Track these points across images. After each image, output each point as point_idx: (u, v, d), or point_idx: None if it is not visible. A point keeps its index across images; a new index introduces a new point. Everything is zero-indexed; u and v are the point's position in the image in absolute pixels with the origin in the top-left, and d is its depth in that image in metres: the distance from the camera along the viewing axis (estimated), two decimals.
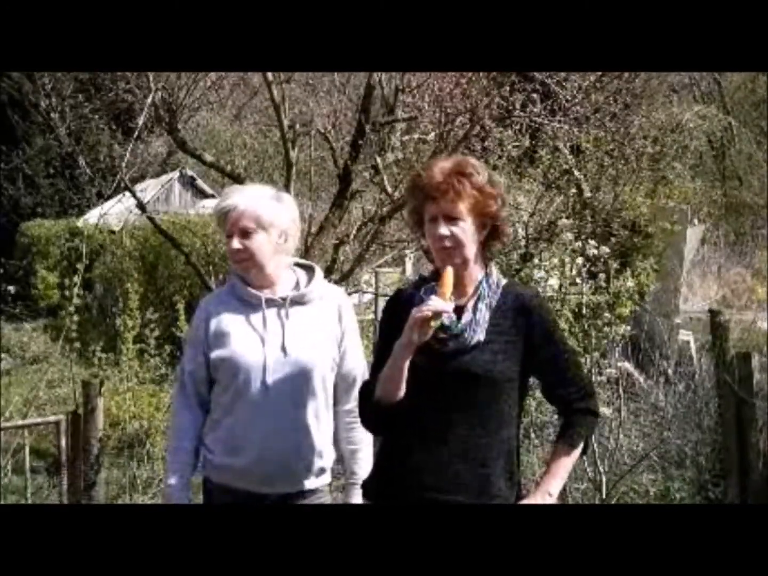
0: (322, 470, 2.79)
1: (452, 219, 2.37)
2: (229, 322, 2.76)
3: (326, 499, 2.81)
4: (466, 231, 2.38)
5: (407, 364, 2.34)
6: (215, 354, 2.75)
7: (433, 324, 2.28)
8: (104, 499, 4.54)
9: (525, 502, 2.36)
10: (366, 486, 2.54)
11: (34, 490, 4.63)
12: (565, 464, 2.41)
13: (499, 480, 2.35)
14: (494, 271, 2.47)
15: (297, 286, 2.82)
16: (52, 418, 4.68)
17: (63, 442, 4.39)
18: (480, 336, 2.36)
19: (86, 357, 8.33)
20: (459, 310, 2.39)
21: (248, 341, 2.73)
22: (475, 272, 2.45)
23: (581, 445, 2.44)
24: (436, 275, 2.43)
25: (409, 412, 2.36)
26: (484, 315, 2.39)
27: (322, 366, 2.75)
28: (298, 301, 2.79)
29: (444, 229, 2.37)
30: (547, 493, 2.36)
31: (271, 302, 2.77)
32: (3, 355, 11.64)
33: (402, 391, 2.36)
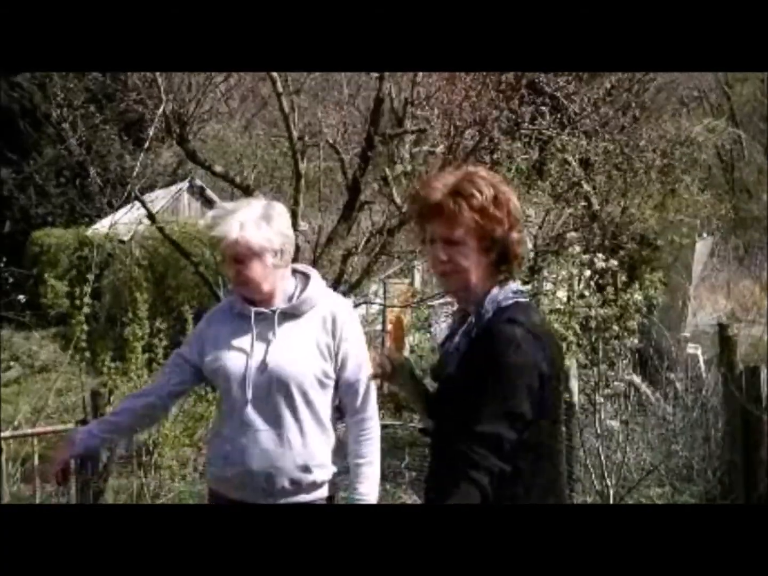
0: (313, 485, 2.76)
1: (451, 242, 2.15)
2: (220, 335, 2.81)
3: None
4: (467, 255, 2.16)
5: (412, 395, 2.41)
6: (207, 360, 2.80)
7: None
8: None
9: None
10: None
11: (43, 499, 4.64)
12: None
13: None
14: (493, 296, 2.18)
15: (292, 297, 2.82)
16: (60, 427, 4.70)
17: None
18: (452, 368, 2.19)
19: (95, 366, 8.35)
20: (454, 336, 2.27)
21: (234, 355, 2.76)
22: (481, 296, 2.20)
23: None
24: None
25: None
26: (458, 345, 2.19)
27: (303, 381, 2.73)
28: (290, 312, 2.78)
29: (442, 254, 2.17)
30: None
31: (260, 316, 2.78)
32: (12, 364, 11.69)
33: (423, 414, 2.41)
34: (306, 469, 2.74)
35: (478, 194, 2.15)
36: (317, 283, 2.85)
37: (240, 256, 2.72)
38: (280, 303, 2.80)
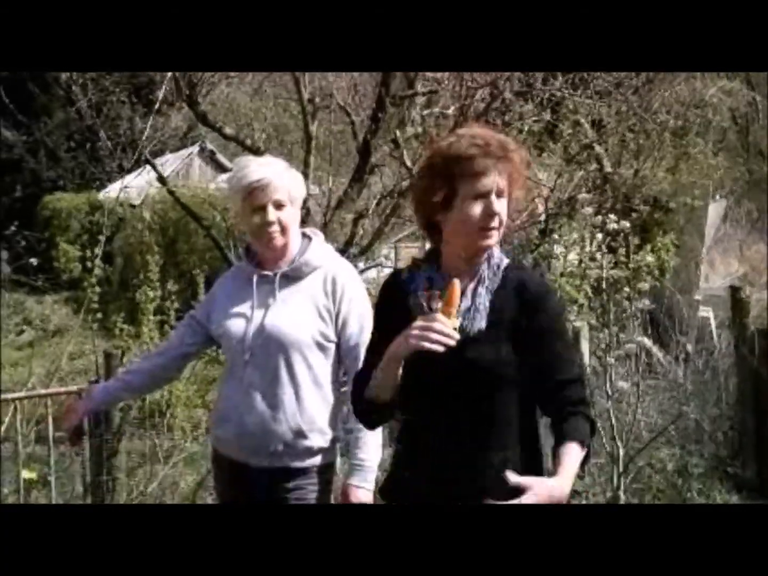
0: (308, 450, 2.75)
1: (500, 196, 2.13)
2: (226, 299, 2.85)
3: (313, 480, 2.77)
4: (506, 210, 2.16)
5: (400, 367, 2.11)
6: (213, 324, 2.86)
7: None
8: (125, 468, 4.62)
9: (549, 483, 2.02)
10: (382, 491, 2.33)
11: (57, 458, 4.70)
12: (575, 461, 2.08)
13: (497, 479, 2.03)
14: (496, 251, 2.21)
15: (294, 259, 2.82)
16: (74, 388, 4.73)
17: None
18: (481, 324, 2.12)
19: (108, 329, 8.42)
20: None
21: (236, 319, 2.79)
22: (490, 252, 2.21)
23: (586, 448, 2.11)
24: (434, 256, 2.22)
25: (414, 410, 2.18)
26: (484, 300, 2.14)
27: (302, 344, 2.73)
28: (291, 275, 2.79)
29: (497, 207, 2.11)
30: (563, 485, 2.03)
31: (262, 279, 2.80)
32: (25, 327, 11.78)
33: (395, 390, 2.14)
34: (300, 433, 2.73)
35: (524, 151, 2.20)
36: (318, 245, 2.85)
37: (281, 202, 2.75)
38: (284, 264, 2.81)
